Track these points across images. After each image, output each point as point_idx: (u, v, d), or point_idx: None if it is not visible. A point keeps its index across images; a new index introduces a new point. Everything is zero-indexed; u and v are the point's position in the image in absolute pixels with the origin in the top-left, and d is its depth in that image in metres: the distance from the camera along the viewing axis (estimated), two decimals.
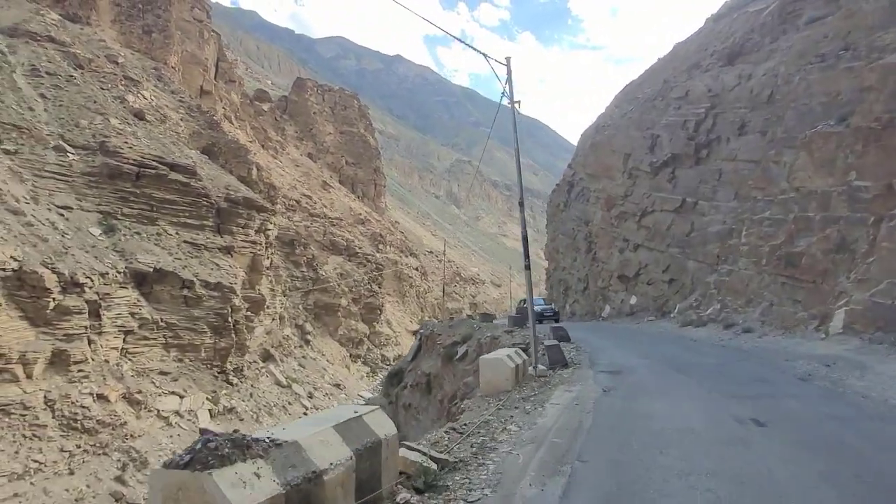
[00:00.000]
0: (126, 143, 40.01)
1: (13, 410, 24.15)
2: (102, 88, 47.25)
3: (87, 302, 29.06)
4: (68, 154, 37.19)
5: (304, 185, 73.09)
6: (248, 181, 55.32)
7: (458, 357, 20.45)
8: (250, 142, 69.07)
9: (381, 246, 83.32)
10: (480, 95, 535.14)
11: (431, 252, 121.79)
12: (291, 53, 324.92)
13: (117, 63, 53.03)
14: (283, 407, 40.92)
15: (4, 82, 40.38)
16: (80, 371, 27.66)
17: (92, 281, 29.49)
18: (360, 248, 67.24)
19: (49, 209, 33.14)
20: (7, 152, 34.78)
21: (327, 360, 52.95)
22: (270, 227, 47.47)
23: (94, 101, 43.59)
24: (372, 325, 63.45)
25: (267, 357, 45.46)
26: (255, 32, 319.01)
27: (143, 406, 29.77)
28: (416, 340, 30.49)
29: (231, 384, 37.65)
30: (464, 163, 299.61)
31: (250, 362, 41.70)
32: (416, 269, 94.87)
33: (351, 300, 59.80)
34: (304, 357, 50.09)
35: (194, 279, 35.37)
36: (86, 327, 28.73)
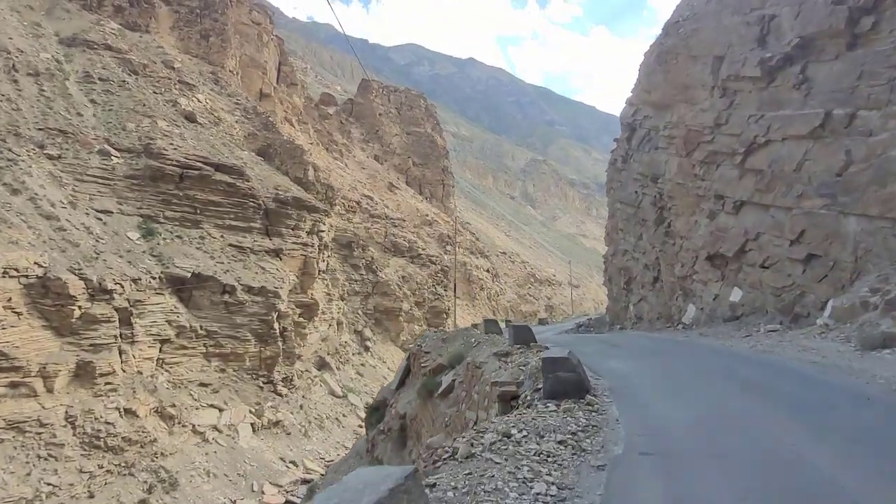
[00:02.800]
0: (171, 144, 38.67)
1: (28, 428, 22.36)
2: (155, 92, 46.54)
3: (116, 309, 27.25)
4: (112, 157, 36.11)
5: (365, 186, 71.03)
6: (305, 182, 53.44)
7: (439, 392, 14.59)
8: (311, 143, 67.66)
9: (448, 247, 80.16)
10: (555, 93, 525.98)
11: (504, 253, 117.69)
12: (366, 62, 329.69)
13: (173, 68, 52.56)
14: (337, 419, 38.24)
15: (56, 89, 40.05)
16: (107, 384, 25.78)
17: (122, 287, 27.68)
18: (423, 249, 64.24)
19: (87, 213, 31.88)
20: (50, 157, 33.96)
21: (388, 368, 50.05)
22: (324, 228, 45.12)
23: (144, 105, 42.73)
24: (438, 329, 60.14)
25: (322, 365, 43.05)
26: (329, 44, 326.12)
27: (176, 421, 27.64)
28: (404, 360, 23.91)
29: (279, 395, 35.26)
30: (539, 162, 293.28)
31: (302, 371, 39.31)
32: (487, 271, 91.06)
33: (414, 304, 56.83)
34: (362, 365, 47.43)
35: (236, 284, 33.20)
36: (115, 336, 26.91)
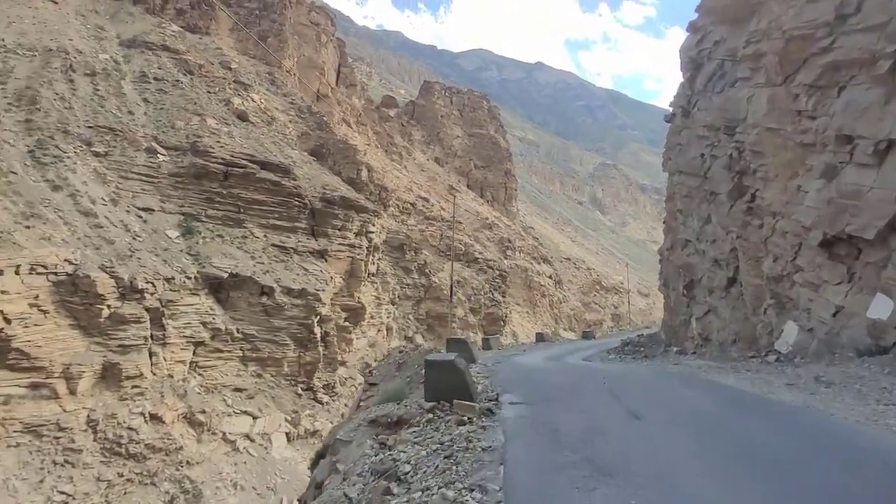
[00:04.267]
0: (218, 142, 37.94)
1: (46, 432, 21.37)
2: (209, 92, 46.31)
3: (147, 310, 26.21)
4: (158, 155, 35.62)
5: (422, 187, 69.27)
6: (358, 182, 52.14)
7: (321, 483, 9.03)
8: (367, 145, 66.54)
9: (509, 252, 77.35)
10: (627, 97, 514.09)
11: (569, 259, 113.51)
12: (434, 69, 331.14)
13: (229, 68, 52.48)
14: None
15: (110, 88, 40.21)
16: (134, 387, 24.69)
17: (154, 286, 26.64)
18: (480, 253, 61.74)
19: (128, 211, 31.27)
20: (97, 154, 33.71)
21: None
22: (374, 229, 43.43)
23: (195, 104, 42.40)
24: (495, 337, 57.43)
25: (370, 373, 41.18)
26: (398, 51, 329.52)
27: (205, 428, 26.29)
28: (358, 394, 19.58)
29: (319, 403, 33.63)
30: (608, 167, 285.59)
31: (345, 378, 37.60)
32: (550, 277, 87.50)
33: (469, 310, 54.40)
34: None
35: (275, 285, 31.79)
36: (146, 338, 25.86)
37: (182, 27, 55.13)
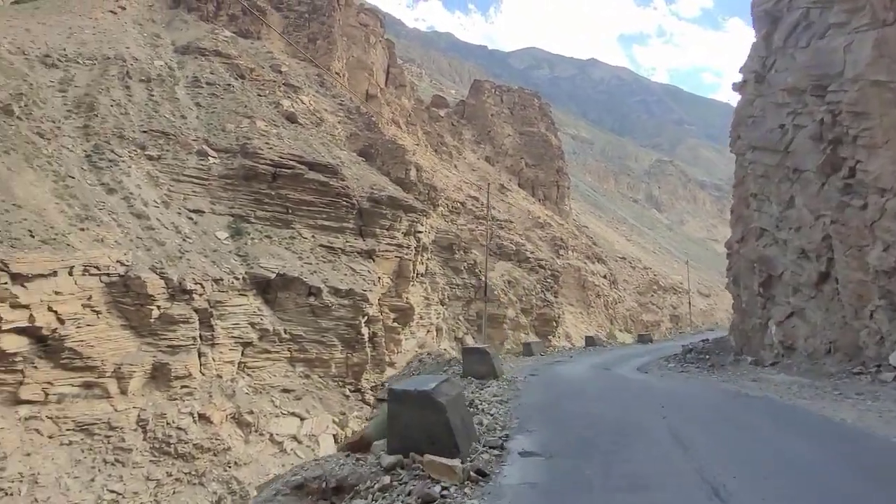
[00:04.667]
0: (267, 143, 38.19)
1: (97, 431, 21.65)
2: (259, 95, 46.86)
3: (196, 310, 26.39)
4: (209, 158, 36.10)
5: (472, 187, 68.47)
6: (406, 182, 51.83)
7: None
8: (416, 145, 66.26)
9: (561, 251, 75.70)
10: (684, 91, 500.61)
11: (624, 258, 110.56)
12: (485, 68, 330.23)
13: (280, 71, 53.07)
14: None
15: (164, 94, 41.10)
16: (183, 387, 24.85)
17: (202, 287, 26.81)
18: (532, 252, 60.48)
19: (179, 213, 31.72)
20: (150, 158, 34.41)
21: None
22: (422, 228, 42.94)
23: (245, 106, 42.90)
24: (547, 338, 56.11)
25: None
26: (449, 52, 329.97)
27: (253, 429, 26.26)
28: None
29: (367, 404, 33.23)
30: (665, 163, 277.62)
31: (395, 379, 37.15)
32: (605, 277, 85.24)
33: (520, 310, 53.28)
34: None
35: (322, 285, 31.63)
36: (195, 338, 26.03)
37: (234, 33, 56.11)
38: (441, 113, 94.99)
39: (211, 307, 27.09)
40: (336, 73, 60.09)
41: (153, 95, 40.22)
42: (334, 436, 29.36)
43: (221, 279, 28.04)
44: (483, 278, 50.87)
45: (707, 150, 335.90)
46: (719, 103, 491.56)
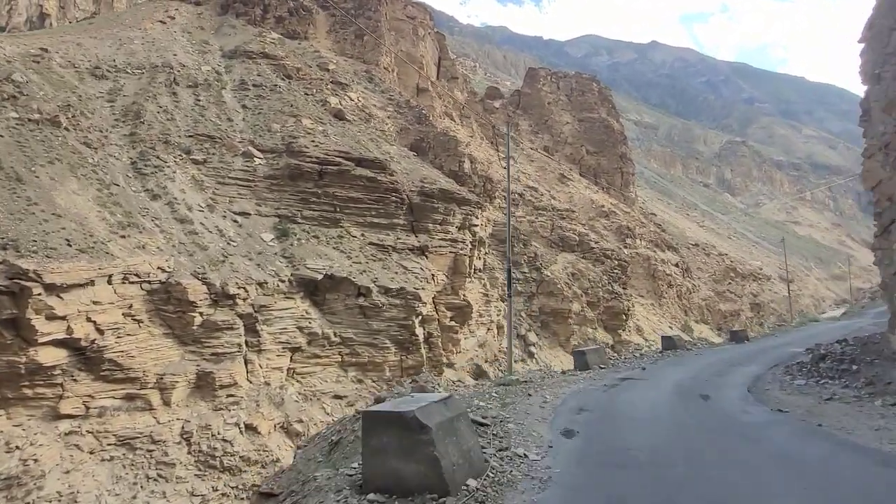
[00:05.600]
0: (313, 141, 37.06)
1: (139, 445, 20.71)
2: (306, 94, 45.98)
3: (240, 316, 25.31)
4: (255, 159, 35.27)
5: (530, 177, 65.78)
6: (460, 175, 49.86)
7: None
8: (471, 136, 64.21)
9: (628, 240, 71.92)
10: (753, 68, 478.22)
11: (697, 245, 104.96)
12: (541, 59, 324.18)
13: (327, 70, 52.15)
14: None
15: (211, 98, 40.73)
16: (229, 396, 23.76)
17: (246, 291, 25.71)
18: (597, 243, 57.30)
19: (224, 216, 30.89)
20: (196, 162, 33.84)
21: None
22: (477, 222, 40.89)
23: (291, 106, 42.02)
24: (616, 332, 53.00)
25: (479, 374, 38.69)
26: (504, 45, 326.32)
27: (303, 438, 24.87)
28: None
29: None
30: (737, 144, 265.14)
31: (454, 381, 35.22)
32: (676, 265, 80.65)
33: (586, 304, 50.34)
34: (527, 373, 42.24)
35: (371, 285, 30.08)
36: (240, 345, 24.92)
37: (282, 34, 55.67)
38: (496, 104, 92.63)
39: (256, 312, 25.95)
40: (385, 68, 58.82)
41: (200, 100, 39.87)
42: None
43: (266, 282, 26.88)
44: (545, 272, 48.30)
45: (782, 127, 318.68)
46: (791, 77, 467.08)
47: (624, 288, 56.09)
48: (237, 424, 23.14)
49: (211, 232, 28.58)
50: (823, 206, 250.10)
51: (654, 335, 62.00)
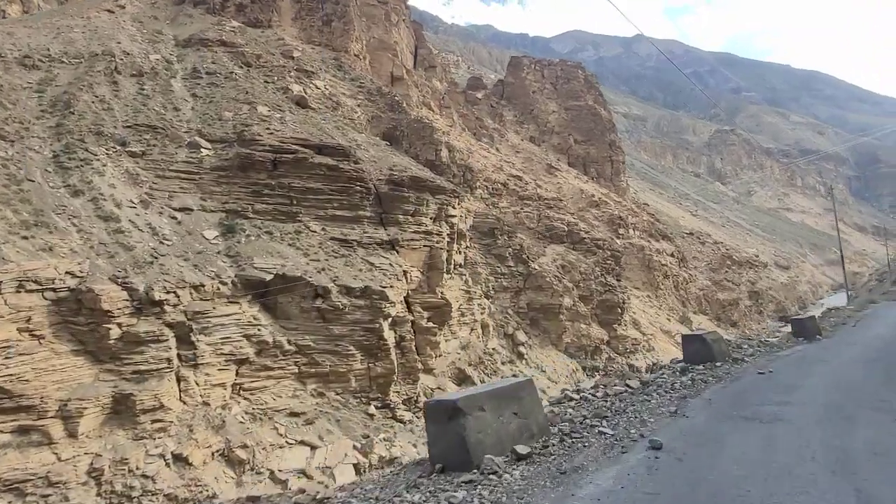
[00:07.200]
0: (268, 129, 33.36)
1: (32, 489, 16.88)
2: (266, 82, 42.28)
3: (169, 325, 21.54)
4: (202, 150, 31.51)
5: (514, 166, 62.17)
6: (438, 165, 46.28)
7: None
8: (450, 126, 60.54)
9: (621, 230, 68.44)
10: (738, 57, 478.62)
11: (692, 234, 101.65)
12: (526, 55, 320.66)
13: (292, 58, 48.35)
14: None
15: (157, 87, 36.95)
16: (154, 422, 19.97)
17: (177, 296, 21.94)
18: (587, 232, 53.73)
19: (160, 213, 27.09)
20: (133, 155, 30.03)
21: (549, 378, 40.72)
22: (454, 212, 37.21)
23: (247, 93, 38.28)
24: (611, 327, 49.44)
25: (462, 379, 35.06)
26: (489, 43, 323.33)
27: (247, 466, 21.16)
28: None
29: (400, 422, 27.82)
30: (726, 133, 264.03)
31: (432, 389, 31.61)
32: (672, 255, 77.24)
33: (578, 297, 46.72)
34: (514, 376, 38.60)
35: (330, 285, 26.35)
36: (169, 360, 21.12)
37: (243, 23, 51.90)
38: (478, 95, 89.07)
39: (190, 319, 22.20)
40: (355, 56, 55.11)
41: (144, 89, 36.08)
42: (355, 465, 23.99)
43: (203, 285, 23.12)
44: (532, 265, 44.70)
45: (770, 115, 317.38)
46: (777, 65, 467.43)
47: (618, 280, 52.56)
48: (162, 456, 19.35)
49: (141, 230, 24.79)
50: (815, 191, 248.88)
51: (652, 328, 58.50)
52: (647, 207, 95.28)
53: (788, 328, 21.50)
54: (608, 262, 52.16)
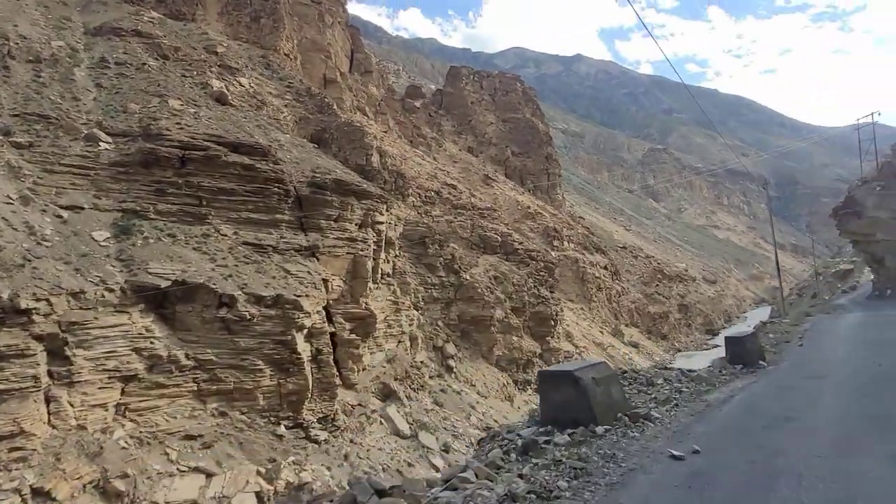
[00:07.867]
0: (177, 124, 30.71)
1: None
2: (184, 76, 39.41)
3: (37, 338, 18.75)
4: (100, 143, 28.57)
5: (448, 175, 60.98)
6: (368, 170, 44.37)
7: None
8: (384, 132, 58.81)
9: (556, 242, 68.23)
10: (670, 81, 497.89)
11: (625, 247, 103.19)
12: (466, 66, 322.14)
13: (215, 53, 45.55)
14: (399, 470, 27.93)
15: (56, 75, 33.59)
16: (12, 451, 17.16)
17: (49, 304, 19.18)
18: (521, 243, 52.89)
19: (43, 210, 24.09)
20: (18, 146, 26.78)
21: (478, 392, 39.30)
22: (382, 219, 35.39)
23: (159, 86, 35.43)
24: (544, 339, 48.59)
25: (387, 394, 33.13)
26: (432, 56, 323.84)
27: (126, 499, 18.55)
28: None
29: (314, 442, 25.64)
30: (658, 152, 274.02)
31: (352, 406, 29.57)
32: (605, 268, 77.77)
33: (510, 309, 45.61)
34: (442, 391, 36.99)
35: (237, 293, 24.01)
36: (35, 378, 18.32)
37: (164, 14, 48.70)
38: (417, 104, 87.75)
39: (65, 331, 19.45)
40: (285, 55, 52.72)
41: (40, 77, 32.69)
42: (258, 493, 21.66)
43: (83, 292, 20.41)
44: (464, 275, 43.30)
45: (699, 136, 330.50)
46: (707, 90, 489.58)
47: (551, 291, 51.85)
48: (18, 490, 16.58)
49: (15, 229, 21.82)
50: (739, 210, 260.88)
51: (585, 341, 58.14)
52: (582, 221, 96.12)
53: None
54: (542, 273, 51.41)
